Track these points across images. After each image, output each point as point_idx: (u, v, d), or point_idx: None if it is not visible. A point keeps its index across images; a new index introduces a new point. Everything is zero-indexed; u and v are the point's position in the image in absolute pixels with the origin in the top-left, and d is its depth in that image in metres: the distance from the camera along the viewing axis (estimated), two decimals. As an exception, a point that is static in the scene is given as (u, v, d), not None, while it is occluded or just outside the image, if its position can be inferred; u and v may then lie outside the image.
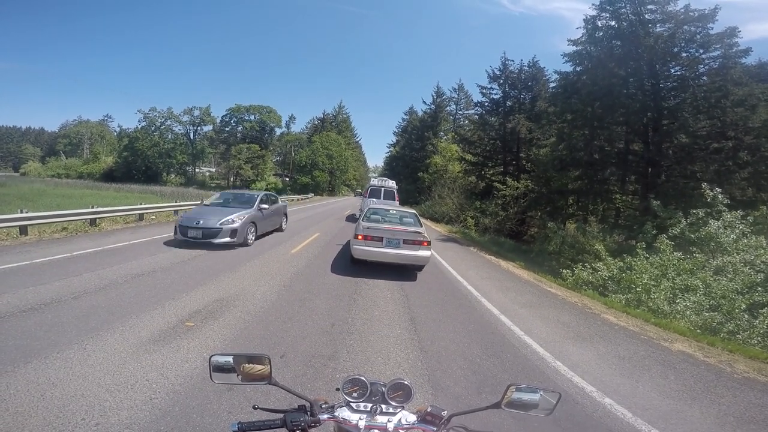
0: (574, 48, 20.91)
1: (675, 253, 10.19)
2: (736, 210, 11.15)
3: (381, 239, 8.51)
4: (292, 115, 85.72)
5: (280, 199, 15.18)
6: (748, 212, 11.37)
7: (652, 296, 8.61)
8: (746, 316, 7.58)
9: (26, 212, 10.41)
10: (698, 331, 7.10)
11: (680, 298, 8.46)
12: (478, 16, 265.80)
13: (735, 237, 10.23)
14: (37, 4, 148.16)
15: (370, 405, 1.24)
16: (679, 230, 11.41)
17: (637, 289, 9.03)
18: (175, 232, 10.33)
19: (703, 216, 11.24)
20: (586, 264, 11.51)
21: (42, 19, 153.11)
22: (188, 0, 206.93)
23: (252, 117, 77.76)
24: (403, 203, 23.87)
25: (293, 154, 77.60)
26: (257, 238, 11.64)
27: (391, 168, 67.95)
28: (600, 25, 19.79)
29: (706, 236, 10.48)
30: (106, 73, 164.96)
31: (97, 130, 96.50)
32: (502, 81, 32.27)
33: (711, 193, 11.55)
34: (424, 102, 74.10)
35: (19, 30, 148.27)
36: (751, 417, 3.90)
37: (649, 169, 17.88)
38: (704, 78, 16.76)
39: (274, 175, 77.70)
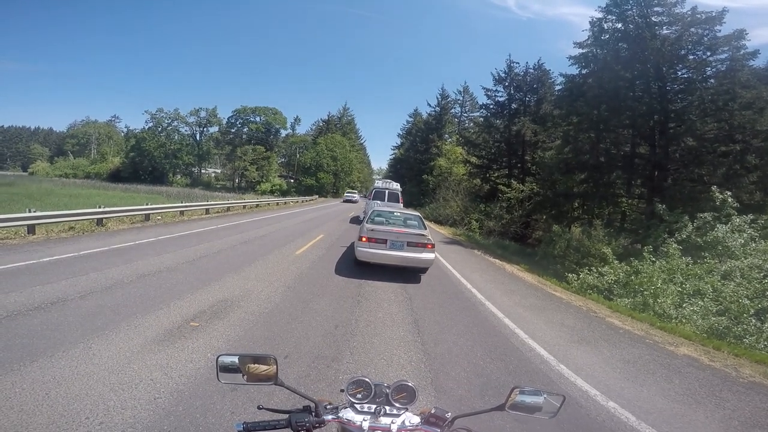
0: (580, 50, 20.86)
1: (683, 258, 10.12)
2: (744, 214, 11.05)
3: (385, 241, 8.51)
4: (297, 116, 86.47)
5: None
6: (757, 216, 11.26)
7: (659, 300, 8.54)
8: (753, 320, 7.51)
9: (34, 212, 10.51)
10: (704, 335, 7.03)
11: (687, 302, 8.40)
12: (485, 20, 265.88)
13: (743, 241, 10.14)
14: (46, 5, 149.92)
15: (374, 406, 1.24)
16: (685, 235, 11.32)
17: (646, 293, 8.96)
18: None
19: (710, 220, 11.14)
20: (592, 268, 11.45)
21: (51, 20, 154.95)
22: (196, 2, 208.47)
23: (257, 118, 78.16)
24: (407, 205, 23.90)
25: (298, 155, 77.85)
26: None
27: (395, 170, 68.04)
28: (606, 28, 19.72)
29: (713, 240, 10.40)
30: (114, 74, 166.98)
31: (104, 130, 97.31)
32: (507, 83, 32.18)
33: (720, 196, 11.44)
34: (429, 104, 74.02)
35: (29, 31, 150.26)
36: (756, 421, 3.86)
37: (656, 173, 17.76)
38: (711, 81, 16.62)
39: (278, 176, 78.01)
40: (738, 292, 8.24)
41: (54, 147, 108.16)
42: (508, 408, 1.24)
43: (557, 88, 28.28)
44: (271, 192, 64.38)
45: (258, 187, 67.71)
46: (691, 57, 17.01)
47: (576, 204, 23.33)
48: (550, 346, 5.45)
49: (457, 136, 48.29)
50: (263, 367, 1.28)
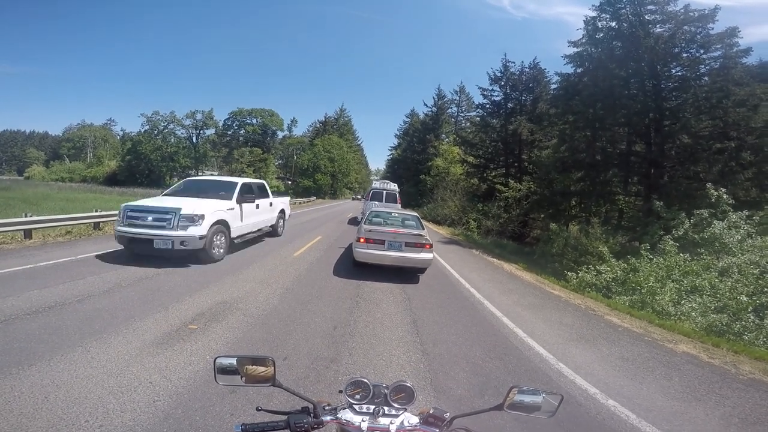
0: (575, 49, 20.96)
1: (680, 255, 10.16)
2: (740, 210, 11.11)
3: (383, 242, 8.51)
4: (294, 118, 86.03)
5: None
6: (753, 212, 11.32)
7: (657, 298, 8.57)
8: (752, 317, 7.54)
9: (30, 216, 10.46)
10: (703, 332, 7.06)
11: (685, 299, 8.43)
12: (481, 20, 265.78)
13: (740, 237, 10.18)
14: (41, 8, 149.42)
15: (372, 407, 1.24)
16: (682, 231, 11.36)
17: (643, 290, 8.99)
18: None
19: (706, 217, 11.19)
20: (590, 266, 11.48)
21: (45, 24, 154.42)
22: (191, 4, 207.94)
23: (254, 120, 78.08)
24: (405, 206, 23.90)
25: (295, 157, 77.82)
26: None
27: (392, 171, 67.96)
28: (600, 26, 19.81)
29: (710, 237, 10.44)
30: (110, 77, 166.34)
31: (100, 133, 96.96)
32: (503, 83, 32.29)
33: (716, 193, 11.50)
34: (426, 104, 74.17)
35: (23, 34, 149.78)
36: (756, 418, 3.88)
37: (652, 170, 17.84)
38: (705, 78, 16.73)
39: (276, 178, 77.91)
40: (736, 289, 8.28)
41: (50, 151, 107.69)
42: (506, 408, 1.24)
43: (553, 87, 28.44)
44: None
45: (256, 188, 67.54)
46: (684, 55, 17.12)
47: (573, 202, 23.40)
48: (549, 345, 5.46)
49: (454, 136, 48.38)
50: (261, 369, 1.28)
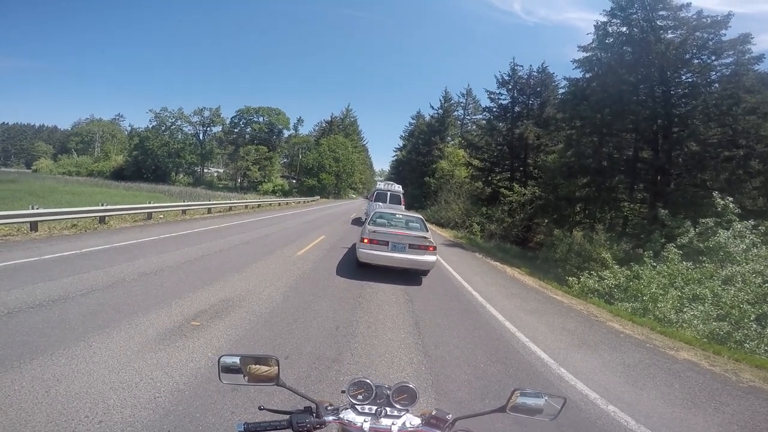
0: (584, 54, 20.86)
1: (683, 263, 10.09)
2: (746, 219, 11.01)
3: (387, 243, 8.51)
4: (300, 117, 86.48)
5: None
6: (759, 222, 11.22)
7: (659, 305, 8.52)
8: (754, 325, 7.49)
9: (37, 208, 10.54)
10: (705, 340, 7.02)
11: (688, 307, 8.37)
12: (491, 25, 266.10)
13: (745, 247, 10.10)
14: (52, 2, 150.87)
15: (374, 408, 1.23)
16: (687, 240, 11.28)
17: (645, 298, 8.94)
18: None
19: (712, 226, 11.11)
20: (593, 272, 11.42)
21: (57, 18, 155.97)
22: (202, 2, 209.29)
23: (261, 119, 78.33)
24: (409, 207, 23.91)
25: (300, 156, 77.96)
26: None
27: (397, 172, 67.95)
28: (611, 32, 19.70)
29: (715, 246, 10.36)
30: (119, 73, 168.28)
31: (108, 128, 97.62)
32: (510, 86, 32.12)
33: (722, 202, 11.41)
34: (432, 107, 73.89)
35: (34, 28, 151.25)
36: (755, 426, 3.85)
37: (658, 177, 17.72)
38: (716, 85, 16.58)
39: (281, 177, 78.07)
40: (739, 297, 8.22)
41: (58, 145, 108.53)
42: (509, 410, 1.24)
43: (561, 91, 28.29)
44: (273, 192, 64.47)
45: (260, 187, 67.82)
46: (695, 61, 16.96)
47: (578, 208, 23.30)
48: (550, 350, 5.44)
49: (460, 139, 48.16)
50: (265, 368, 1.28)
